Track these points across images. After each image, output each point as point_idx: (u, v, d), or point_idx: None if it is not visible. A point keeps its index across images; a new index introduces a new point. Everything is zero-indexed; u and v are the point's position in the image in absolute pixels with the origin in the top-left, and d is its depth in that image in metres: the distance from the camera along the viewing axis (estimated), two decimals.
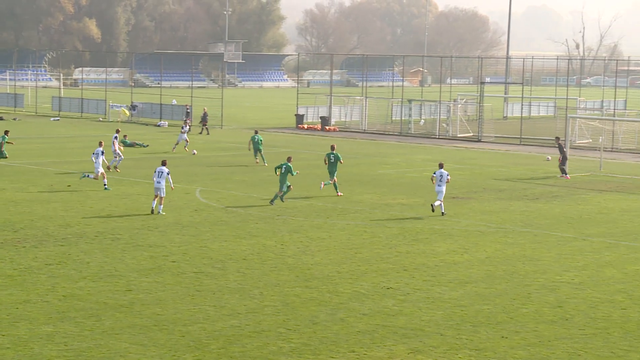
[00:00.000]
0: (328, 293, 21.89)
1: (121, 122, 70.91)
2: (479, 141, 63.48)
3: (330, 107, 74.62)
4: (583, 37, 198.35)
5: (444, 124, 68.31)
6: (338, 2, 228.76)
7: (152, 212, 31.69)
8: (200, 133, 64.65)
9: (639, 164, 51.18)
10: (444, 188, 32.77)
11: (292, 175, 34.30)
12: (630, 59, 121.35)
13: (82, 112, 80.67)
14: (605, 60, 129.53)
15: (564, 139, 46.48)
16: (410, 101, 72.83)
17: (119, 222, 30.20)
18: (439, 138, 65.80)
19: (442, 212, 32.70)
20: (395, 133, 68.20)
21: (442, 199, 32.81)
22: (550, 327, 19.53)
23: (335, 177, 37.02)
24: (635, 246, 28.10)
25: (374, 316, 20.05)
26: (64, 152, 51.87)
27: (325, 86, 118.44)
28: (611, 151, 56.88)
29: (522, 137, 63.25)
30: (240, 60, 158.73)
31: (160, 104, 75.76)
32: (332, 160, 37.10)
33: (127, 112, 75.37)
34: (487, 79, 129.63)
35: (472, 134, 66.66)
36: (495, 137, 65.24)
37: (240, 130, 70.04)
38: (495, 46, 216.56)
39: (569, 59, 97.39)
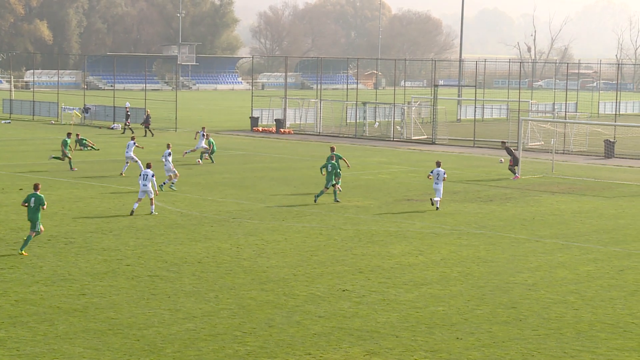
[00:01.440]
0: (284, 296, 21.89)
1: (74, 124, 70.22)
2: (433, 143, 63.86)
3: (285, 109, 74.59)
4: (534, 40, 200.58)
5: (398, 127, 68.60)
6: (292, 5, 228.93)
7: (132, 213, 31.86)
8: (145, 135, 64.31)
9: (590, 166, 51.86)
10: (441, 186, 34.67)
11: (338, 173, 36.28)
12: (581, 62, 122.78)
13: (33, 115, 79.80)
14: (556, 63, 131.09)
15: (510, 140, 46.96)
16: (364, 104, 73.05)
17: (72, 226, 29.91)
18: (393, 140, 66.07)
19: (437, 207, 34.38)
20: (350, 135, 68.36)
21: (440, 196, 34.66)
22: (504, 328, 19.70)
23: (339, 184, 37.13)
24: (586, 247, 28.46)
25: (330, 318, 20.09)
26: (15, 155, 51.26)
27: (280, 88, 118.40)
28: (563, 153, 57.53)
29: (476, 139, 63.74)
30: (194, 63, 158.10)
31: (114, 107, 75.20)
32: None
33: (79, 115, 74.69)
34: (441, 82, 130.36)
35: (426, 137, 67.03)
36: (449, 139, 65.68)
37: (195, 133, 69.69)
38: (449, 49, 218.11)
39: (520, 62, 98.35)
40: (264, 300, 21.42)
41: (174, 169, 38.48)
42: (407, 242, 28.66)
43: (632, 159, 55.57)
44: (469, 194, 39.17)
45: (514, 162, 44.42)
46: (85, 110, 76.57)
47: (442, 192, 34.89)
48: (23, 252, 25.53)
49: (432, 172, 35.14)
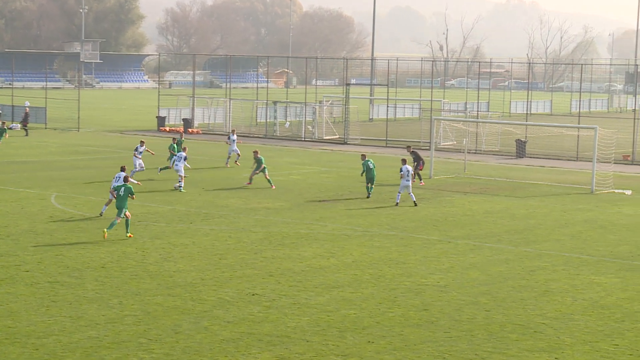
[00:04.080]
0: (191, 301, 21.73)
1: None
2: (345, 143, 64.24)
3: (193, 108, 74.14)
4: (446, 38, 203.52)
5: (309, 126, 68.82)
6: (200, 1, 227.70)
7: (101, 215, 31.99)
8: (27, 135, 63.33)
9: (501, 166, 52.82)
10: (410, 182, 36.54)
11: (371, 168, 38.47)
12: (492, 61, 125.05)
13: None
14: (468, 62, 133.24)
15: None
16: (275, 103, 73.08)
17: None
18: (305, 140, 66.24)
19: (415, 202, 36.60)
20: (260, 135, 68.31)
21: (410, 192, 36.55)
22: (416, 330, 19.92)
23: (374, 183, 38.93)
24: (498, 248, 28.98)
25: (239, 324, 20.02)
26: None
27: (188, 87, 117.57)
28: (475, 153, 58.48)
29: (388, 139, 64.34)
30: (98, 60, 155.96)
31: (12, 106, 73.65)
32: (372, 167, 38.57)
33: None
34: (353, 81, 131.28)
35: (338, 136, 67.39)
36: (362, 139, 66.15)
37: (99, 133, 68.79)
38: (361, 47, 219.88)
39: (433, 61, 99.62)
40: (171, 306, 21.24)
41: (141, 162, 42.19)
42: (319, 244, 28.75)
43: (543, 158, 56.82)
44: (381, 195, 39.49)
45: (420, 165, 43.60)
46: None
47: (411, 187, 36.64)
48: (106, 232, 28.58)
49: (401, 170, 36.61)
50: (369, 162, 38.85)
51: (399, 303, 22.05)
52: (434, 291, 23.25)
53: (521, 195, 40.81)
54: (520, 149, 57.73)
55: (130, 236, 28.77)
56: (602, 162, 45.51)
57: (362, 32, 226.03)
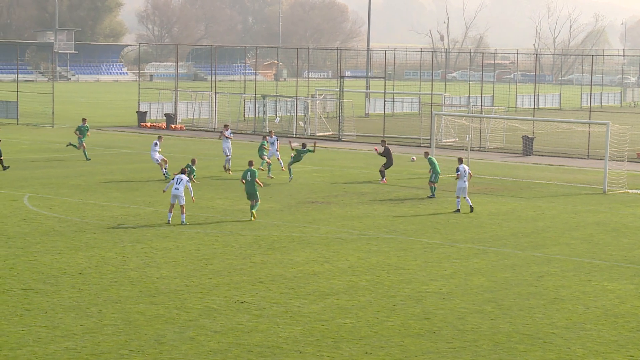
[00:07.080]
0: (175, 309, 21.76)
1: None
2: (340, 140, 64.30)
3: (176, 103, 74.09)
4: (447, 28, 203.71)
5: (301, 122, 68.85)
6: None
7: (169, 222, 31.87)
8: None
9: (507, 164, 52.92)
10: (467, 184, 36.03)
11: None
12: (497, 51, 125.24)
13: None
14: (470, 53, 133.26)
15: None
16: (264, 97, 73.06)
17: None
18: (296, 137, 66.23)
19: (471, 207, 35.86)
20: (249, 132, 68.30)
21: (466, 195, 35.90)
22: (417, 341, 19.97)
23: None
24: (504, 252, 29.05)
25: (227, 334, 20.06)
26: None
27: (170, 80, 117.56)
28: (479, 150, 58.57)
29: (385, 135, 64.35)
30: (73, 51, 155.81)
31: None
32: (436, 164, 39.44)
33: None
34: (347, 73, 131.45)
35: (331, 133, 67.44)
36: (357, 136, 66.21)
37: (74, 129, 68.66)
38: (355, 37, 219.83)
39: (433, 52, 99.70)
40: (153, 315, 21.26)
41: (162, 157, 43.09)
42: (312, 248, 28.79)
43: (552, 156, 56.96)
44: (379, 195, 39.57)
45: (388, 164, 43.48)
46: None
47: (467, 190, 36.13)
48: (254, 213, 32.97)
49: (458, 169, 36.12)
50: (433, 159, 39.70)
51: (398, 311, 22.10)
52: (436, 299, 23.31)
53: (528, 195, 40.91)
54: (527, 146, 57.85)
55: (253, 219, 32.66)
56: (614, 160, 45.64)
57: (357, 20, 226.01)
